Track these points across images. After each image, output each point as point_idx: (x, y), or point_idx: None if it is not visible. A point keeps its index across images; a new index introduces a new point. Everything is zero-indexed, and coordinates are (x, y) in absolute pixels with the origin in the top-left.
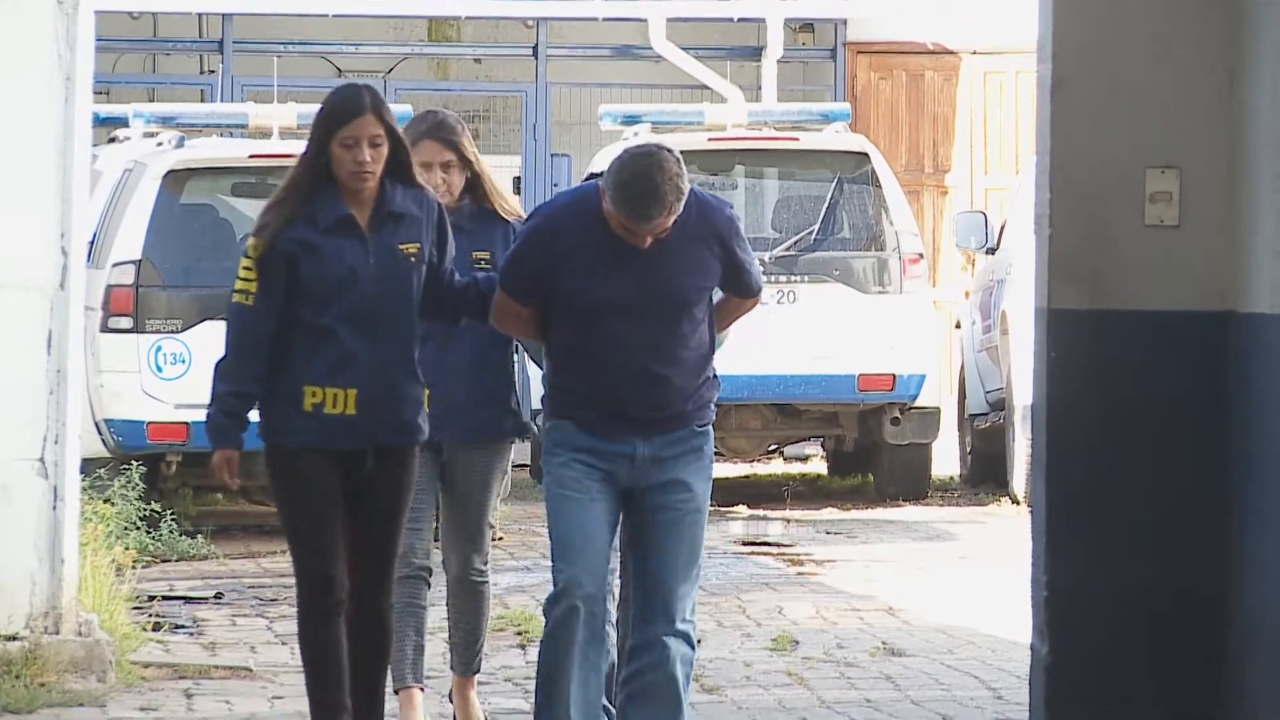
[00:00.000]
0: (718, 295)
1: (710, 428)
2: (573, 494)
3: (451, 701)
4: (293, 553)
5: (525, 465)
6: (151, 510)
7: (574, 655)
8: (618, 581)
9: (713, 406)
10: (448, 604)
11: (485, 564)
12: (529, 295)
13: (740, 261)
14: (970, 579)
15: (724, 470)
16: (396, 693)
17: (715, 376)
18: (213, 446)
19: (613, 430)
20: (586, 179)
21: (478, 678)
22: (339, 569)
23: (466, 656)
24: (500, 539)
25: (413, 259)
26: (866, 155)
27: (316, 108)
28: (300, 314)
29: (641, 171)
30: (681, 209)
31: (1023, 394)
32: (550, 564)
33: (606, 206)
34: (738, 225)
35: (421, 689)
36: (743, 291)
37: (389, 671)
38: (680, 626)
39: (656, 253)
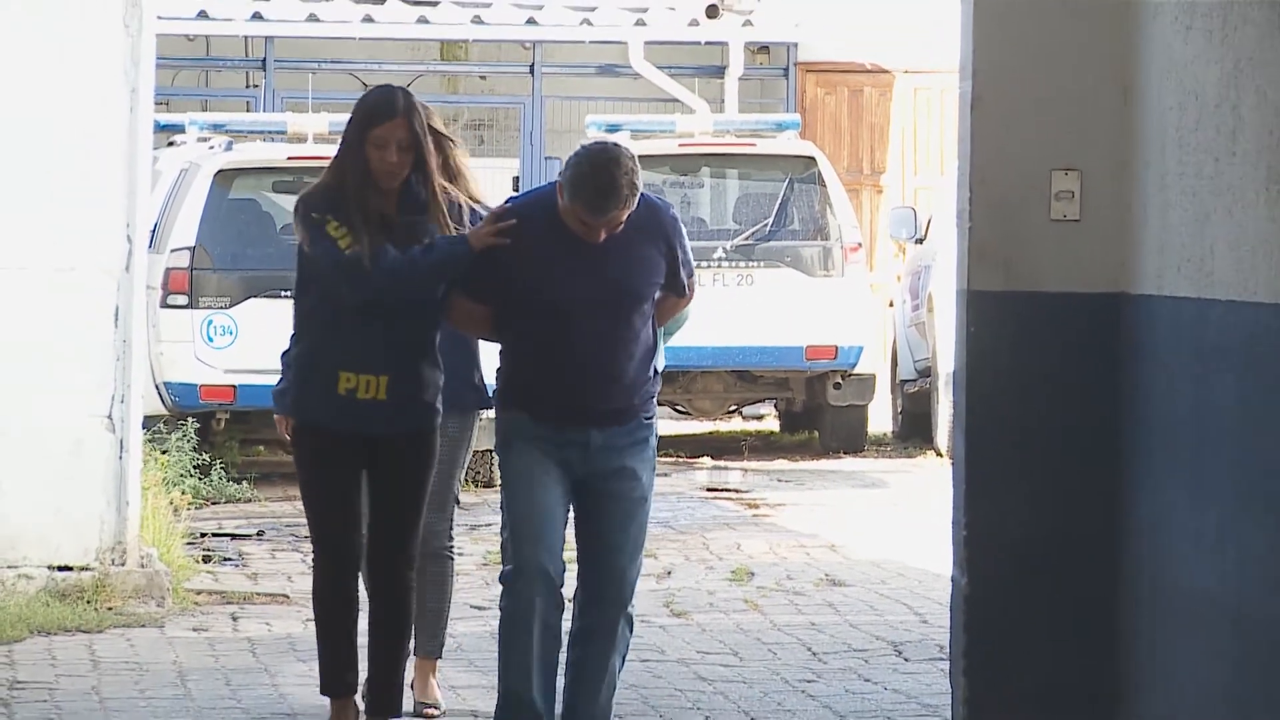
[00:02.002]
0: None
1: (655, 421)
2: (532, 475)
3: (412, 689)
4: (311, 527)
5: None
6: (203, 460)
7: (534, 632)
8: None
9: (654, 401)
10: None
11: (450, 539)
12: (486, 296)
13: (682, 260)
14: (900, 520)
15: (690, 427)
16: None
17: (658, 372)
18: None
19: (568, 423)
20: None
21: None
22: (356, 545)
23: (430, 635)
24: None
25: None
26: (814, 159)
27: (345, 116)
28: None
29: (600, 166)
30: (635, 205)
31: (946, 363)
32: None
33: (564, 202)
34: (680, 225)
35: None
36: (680, 290)
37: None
38: (629, 610)
39: (611, 251)
